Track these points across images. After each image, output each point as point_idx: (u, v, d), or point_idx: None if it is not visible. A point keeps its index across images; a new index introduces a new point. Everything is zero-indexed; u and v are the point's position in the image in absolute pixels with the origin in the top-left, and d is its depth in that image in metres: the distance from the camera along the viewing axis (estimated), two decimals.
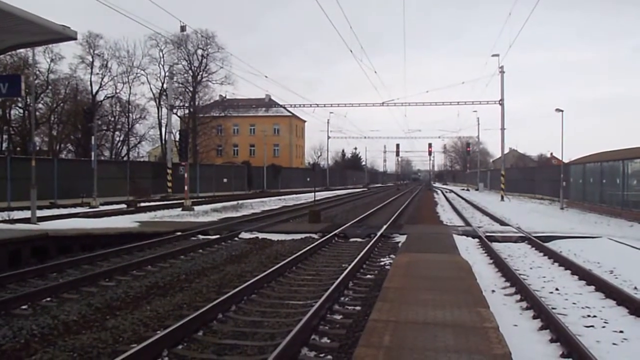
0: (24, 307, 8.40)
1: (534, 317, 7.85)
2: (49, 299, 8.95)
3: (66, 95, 54.80)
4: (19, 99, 43.78)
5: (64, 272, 11.35)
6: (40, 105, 50.63)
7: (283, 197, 47.47)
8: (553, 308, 7.99)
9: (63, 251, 14.26)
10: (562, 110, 34.50)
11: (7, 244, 12.76)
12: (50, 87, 52.19)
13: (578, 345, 6.03)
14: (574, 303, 8.76)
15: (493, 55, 43.70)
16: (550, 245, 15.05)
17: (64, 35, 13.17)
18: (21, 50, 37.09)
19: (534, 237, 16.26)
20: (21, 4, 11.25)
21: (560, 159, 36.67)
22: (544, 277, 11.04)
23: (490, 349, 5.24)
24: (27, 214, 20.20)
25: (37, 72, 47.23)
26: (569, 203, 33.55)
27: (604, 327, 7.39)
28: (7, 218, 18.81)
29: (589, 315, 7.96)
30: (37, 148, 35.96)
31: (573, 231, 18.23)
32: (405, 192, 63.20)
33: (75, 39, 13.90)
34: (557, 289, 9.79)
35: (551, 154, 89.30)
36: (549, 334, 7.00)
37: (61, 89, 54.32)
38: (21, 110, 49.04)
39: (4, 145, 49.63)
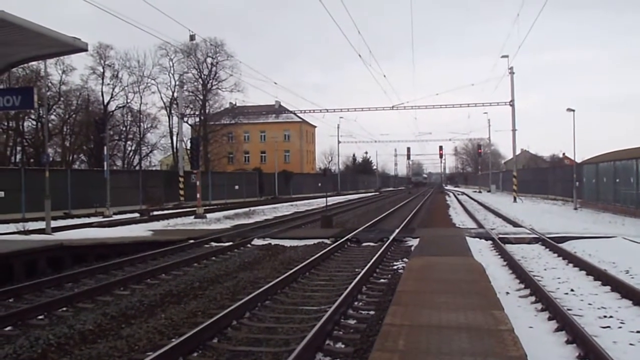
0: (40, 317, 8.49)
1: (550, 319, 7.80)
2: (64, 308, 9.03)
3: (78, 106, 55.29)
4: (32, 111, 44.20)
5: (79, 282, 11.44)
6: (52, 117, 51.12)
7: (295, 203, 47.52)
8: (568, 309, 7.94)
9: (78, 261, 14.36)
10: (573, 110, 34.30)
11: (23, 254, 12.89)
12: (62, 99, 52.65)
13: (595, 346, 5.99)
14: (589, 304, 8.70)
15: (502, 57, 43.34)
16: (565, 245, 14.95)
17: (74, 46, 13.33)
18: (33, 62, 37.43)
19: (548, 238, 16.15)
20: (32, 17, 11.39)
21: (573, 159, 36.34)
22: (559, 278, 10.97)
23: (506, 352, 5.22)
24: (41, 224, 20.37)
25: (49, 84, 47.67)
26: (582, 203, 33.31)
27: (620, 327, 7.33)
28: (22, 229, 18.99)
29: (605, 316, 7.90)
30: (51, 159, 36.36)
31: (587, 231, 18.10)
32: (417, 195, 62.99)
33: (86, 50, 14.05)
34: (572, 290, 9.73)
35: (563, 154, 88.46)
36: (564, 336, 6.96)
37: (73, 100, 54.81)
38: (34, 122, 49.52)
39: (18, 157, 50.11)
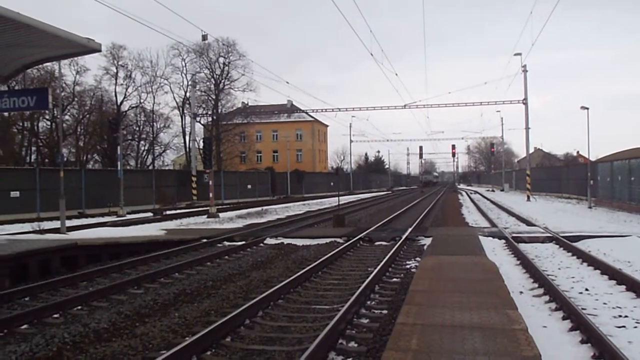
0: (55, 315, 8.58)
1: (564, 318, 7.75)
2: (79, 307, 9.12)
3: (92, 106, 55.70)
4: (47, 111, 44.63)
5: (94, 281, 11.54)
6: (67, 117, 51.55)
7: (307, 202, 47.53)
8: (583, 309, 7.88)
9: (92, 260, 14.48)
10: (587, 108, 34.00)
11: (38, 253, 13.00)
12: (76, 99, 53.07)
13: (610, 346, 5.94)
14: (604, 303, 8.63)
15: (515, 55, 43.21)
16: (579, 244, 14.82)
17: (88, 47, 13.44)
18: (47, 63, 37.77)
19: (562, 237, 16.03)
20: (46, 18, 11.49)
21: (587, 157, 36.05)
22: (573, 277, 10.88)
23: (520, 351, 5.20)
24: (56, 224, 20.55)
25: (64, 85, 48.15)
26: (596, 202, 33.02)
27: (636, 327, 7.26)
28: (37, 228, 19.17)
29: (620, 316, 7.83)
30: (65, 159, 36.66)
31: (602, 230, 17.93)
32: (429, 194, 62.79)
33: (100, 51, 14.14)
34: (586, 289, 9.65)
35: (577, 152, 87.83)
36: (579, 335, 6.91)
37: (87, 100, 55.24)
38: (49, 123, 49.98)
39: (33, 157, 50.59)
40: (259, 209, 35.31)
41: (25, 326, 7.99)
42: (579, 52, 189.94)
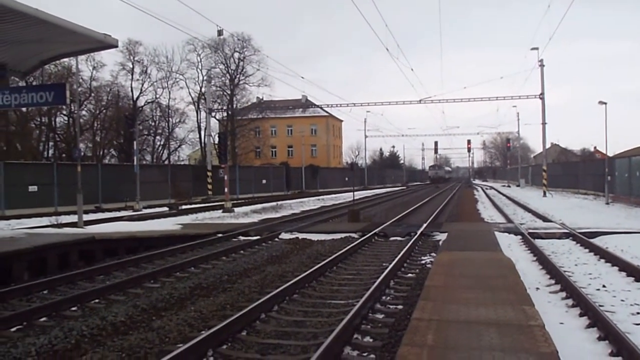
0: (73, 308, 8.68)
1: (581, 315, 7.69)
2: (97, 300, 9.22)
3: (108, 101, 56.16)
4: (64, 106, 45.02)
5: (111, 274, 11.64)
6: (83, 112, 51.99)
7: (322, 197, 47.54)
8: (600, 305, 7.81)
9: (109, 254, 14.61)
10: (605, 103, 33.60)
11: (56, 247, 13.15)
12: (93, 94, 53.53)
13: (628, 343, 5.88)
14: (622, 300, 8.55)
15: (532, 49, 42.55)
16: (596, 241, 14.68)
17: (105, 43, 13.55)
18: (65, 59, 38.12)
19: (579, 233, 15.89)
20: (62, 13, 11.59)
21: (605, 152, 35.65)
22: (590, 273, 10.79)
23: (537, 348, 5.16)
24: (73, 218, 20.77)
25: (81, 80, 48.50)
26: (614, 198, 32.65)
27: None
28: (55, 222, 19.40)
29: (638, 313, 7.76)
30: (82, 154, 36.98)
31: (619, 226, 17.74)
32: (444, 189, 62.50)
33: (116, 46, 14.26)
34: (604, 286, 9.56)
35: (595, 147, 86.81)
36: (596, 332, 6.85)
37: (103, 95, 55.72)
38: (66, 118, 50.46)
39: (50, 152, 51.11)
40: (274, 203, 35.40)
41: (44, 319, 8.09)
42: (598, 46, 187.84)
